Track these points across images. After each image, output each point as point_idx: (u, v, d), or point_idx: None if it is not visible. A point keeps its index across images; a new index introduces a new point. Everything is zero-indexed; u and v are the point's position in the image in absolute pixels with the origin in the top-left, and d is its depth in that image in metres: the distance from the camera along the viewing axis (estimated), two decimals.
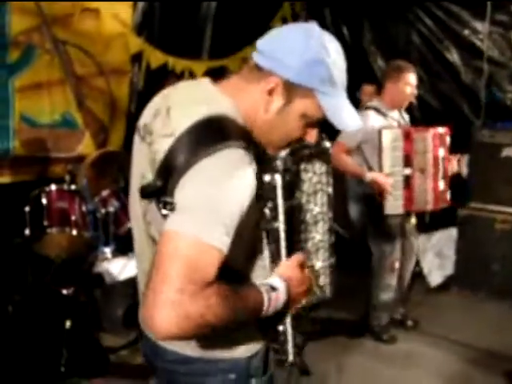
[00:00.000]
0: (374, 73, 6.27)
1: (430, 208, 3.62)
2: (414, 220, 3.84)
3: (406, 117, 3.83)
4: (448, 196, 3.69)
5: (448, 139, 3.64)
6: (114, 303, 3.34)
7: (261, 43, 1.32)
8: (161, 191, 1.22)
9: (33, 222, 3.38)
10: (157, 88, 1.51)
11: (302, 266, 1.42)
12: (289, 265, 1.39)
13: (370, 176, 3.54)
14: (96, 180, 3.74)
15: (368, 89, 5.49)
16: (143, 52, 4.90)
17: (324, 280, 1.67)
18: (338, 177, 5.36)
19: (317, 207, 1.56)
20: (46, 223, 3.35)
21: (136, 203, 1.44)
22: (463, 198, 4.64)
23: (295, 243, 1.48)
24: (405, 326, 4.02)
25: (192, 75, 5.12)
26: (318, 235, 1.59)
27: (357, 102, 5.44)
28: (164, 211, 1.20)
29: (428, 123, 3.77)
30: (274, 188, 1.33)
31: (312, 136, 1.44)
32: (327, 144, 1.54)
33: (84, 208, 3.45)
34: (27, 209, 3.37)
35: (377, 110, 3.65)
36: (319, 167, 1.53)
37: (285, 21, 6.47)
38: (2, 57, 3.88)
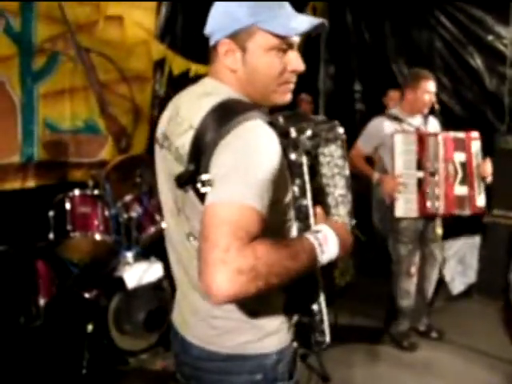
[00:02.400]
0: (396, 78, 6.25)
1: (442, 212, 3.58)
2: (440, 230, 3.81)
3: (434, 122, 3.82)
4: (480, 202, 3.63)
5: (474, 144, 3.61)
6: (136, 307, 3.36)
7: (204, 31, 1.47)
8: (196, 173, 1.29)
9: (56, 227, 3.43)
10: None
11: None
12: (319, 218, 1.43)
13: (377, 176, 3.64)
14: (119, 185, 3.77)
15: (394, 94, 5.47)
16: (166, 58, 4.95)
17: (348, 263, 1.67)
18: (364, 183, 5.42)
19: (337, 190, 1.60)
20: (69, 227, 3.39)
21: (168, 209, 1.50)
22: (487, 205, 4.59)
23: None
24: (429, 337, 3.97)
25: None
26: (340, 218, 1.62)
27: (382, 107, 5.43)
28: (203, 189, 1.26)
29: (452, 129, 3.75)
30: (301, 165, 1.38)
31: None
32: (341, 129, 1.60)
33: (107, 213, 3.49)
34: (51, 213, 3.42)
35: (394, 116, 3.70)
36: (335, 150, 1.58)
37: None
38: (28, 64, 3.94)
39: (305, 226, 1.43)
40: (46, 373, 3.10)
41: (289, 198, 1.40)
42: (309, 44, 6.49)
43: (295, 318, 1.52)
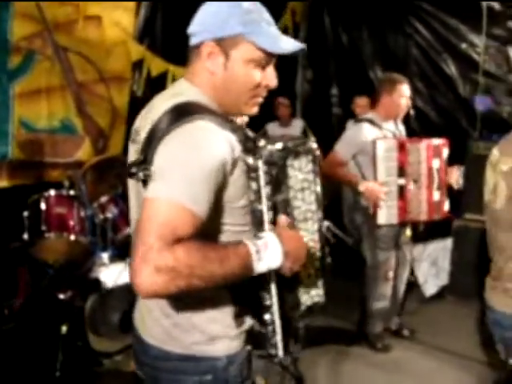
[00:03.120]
0: (373, 83, 6.33)
1: (423, 218, 3.65)
2: (408, 232, 3.87)
3: (402, 128, 3.86)
4: (446, 207, 3.72)
5: (445, 151, 3.67)
6: (111, 308, 3.35)
7: (188, 29, 1.48)
8: (143, 163, 1.36)
9: (31, 227, 3.40)
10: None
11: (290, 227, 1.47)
12: (280, 227, 1.44)
13: (363, 185, 3.58)
14: (95, 186, 3.76)
15: (361, 101, 5.55)
16: (144, 60, 4.95)
17: (317, 282, 1.68)
18: (334, 188, 5.45)
19: (305, 204, 1.60)
20: (44, 228, 3.37)
21: (133, 204, 1.54)
22: (459, 209, 4.68)
23: None
24: (401, 335, 4.05)
25: None
26: (308, 234, 1.62)
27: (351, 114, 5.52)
28: (145, 181, 1.34)
29: (426, 135, 3.82)
30: (256, 170, 1.40)
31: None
32: (314, 144, 1.60)
33: (82, 213, 3.48)
34: (26, 214, 3.40)
35: (371, 121, 3.68)
36: (306, 165, 1.58)
37: (285, 30, 6.53)
38: (3, 62, 3.92)
39: (258, 232, 1.43)
40: (20, 375, 3.07)
41: (244, 201, 1.42)
42: None
43: (248, 324, 1.53)
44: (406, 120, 3.90)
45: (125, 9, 4.71)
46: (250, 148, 1.41)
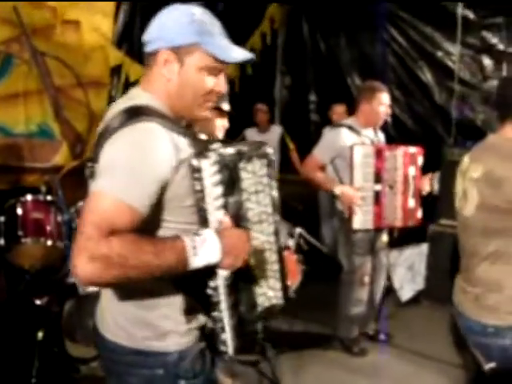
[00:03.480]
0: (350, 90, 6.40)
1: (399, 224, 3.70)
2: (385, 237, 3.92)
3: (381, 135, 3.91)
4: (419, 214, 3.78)
5: (420, 159, 3.73)
6: (88, 314, 3.33)
7: (144, 37, 1.57)
8: (92, 162, 1.51)
9: (7, 232, 3.36)
10: None
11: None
12: (223, 226, 1.50)
13: (339, 189, 3.63)
14: (72, 191, 3.73)
15: (338, 108, 5.60)
16: (123, 65, 4.94)
17: (274, 284, 1.72)
18: (312, 194, 5.48)
19: (259, 207, 1.66)
20: (20, 233, 3.33)
21: None
22: (434, 215, 4.74)
23: None
24: (377, 340, 4.09)
25: None
26: (263, 235, 1.68)
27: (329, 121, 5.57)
28: (92, 178, 1.47)
29: (403, 142, 3.89)
30: (199, 171, 1.46)
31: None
32: (269, 149, 1.70)
33: (59, 218, 3.45)
34: (2, 219, 3.36)
35: (350, 127, 3.72)
36: (260, 168, 1.65)
37: (264, 36, 6.58)
38: None
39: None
40: None
41: (191, 201, 1.49)
42: (265, 54, 6.58)
43: (199, 321, 1.59)
44: (383, 127, 3.94)
45: (103, 14, 4.71)
46: (199, 150, 1.48)
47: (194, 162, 1.45)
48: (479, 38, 5.51)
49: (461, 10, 5.46)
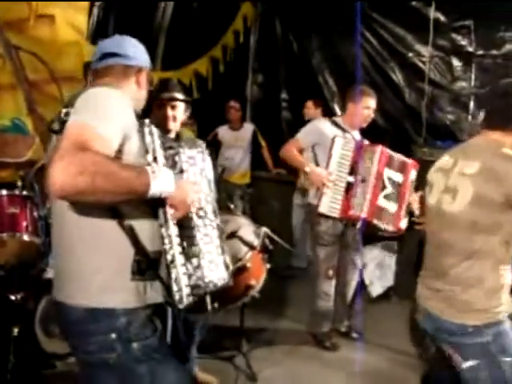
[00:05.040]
0: (322, 89, 6.48)
1: (364, 216, 3.65)
2: (358, 236, 3.95)
3: (358, 136, 3.98)
4: (402, 224, 3.71)
5: (413, 172, 3.71)
6: None
7: (114, 50, 2.00)
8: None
9: None
10: None
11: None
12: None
13: (311, 166, 3.76)
14: (47, 186, 3.71)
15: (309, 104, 5.68)
16: None
17: (216, 259, 1.90)
18: (283, 191, 5.52)
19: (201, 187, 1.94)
20: None
21: None
22: None
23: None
24: (350, 337, 4.17)
25: None
26: (202, 211, 1.91)
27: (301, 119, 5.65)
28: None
29: (374, 140, 3.95)
30: (152, 134, 1.75)
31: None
32: (201, 142, 2.06)
33: (35, 214, 3.43)
34: None
35: (335, 122, 3.87)
36: (196, 154, 1.97)
37: (237, 34, 6.60)
38: None
39: None
40: None
41: (143, 161, 1.71)
42: (238, 52, 6.62)
43: (150, 282, 1.76)
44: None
45: (78, 8, 4.65)
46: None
47: (149, 125, 1.76)
48: (449, 39, 5.65)
49: (432, 12, 5.58)
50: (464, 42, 5.60)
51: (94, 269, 1.72)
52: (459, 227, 2.11)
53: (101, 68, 1.97)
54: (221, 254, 1.93)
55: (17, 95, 4.32)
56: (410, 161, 3.78)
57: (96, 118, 1.59)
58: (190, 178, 1.89)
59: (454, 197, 2.13)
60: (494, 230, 2.05)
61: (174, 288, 1.72)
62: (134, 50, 2.03)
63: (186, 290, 1.74)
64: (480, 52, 5.57)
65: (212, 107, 5.92)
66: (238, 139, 6.01)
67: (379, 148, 3.69)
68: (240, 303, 2.96)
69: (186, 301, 1.73)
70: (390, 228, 3.70)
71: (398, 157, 3.75)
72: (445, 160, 2.27)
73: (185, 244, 1.78)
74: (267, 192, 6.30)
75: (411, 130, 5.90)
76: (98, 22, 4.92)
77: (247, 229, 3.02)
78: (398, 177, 3.70)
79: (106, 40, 2.08)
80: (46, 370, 3.32)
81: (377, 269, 5.17)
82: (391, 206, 3.68)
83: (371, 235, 4.31)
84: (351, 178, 3.69)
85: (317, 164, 3.82)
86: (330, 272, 3.90)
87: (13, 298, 3.29)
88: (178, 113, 2.85)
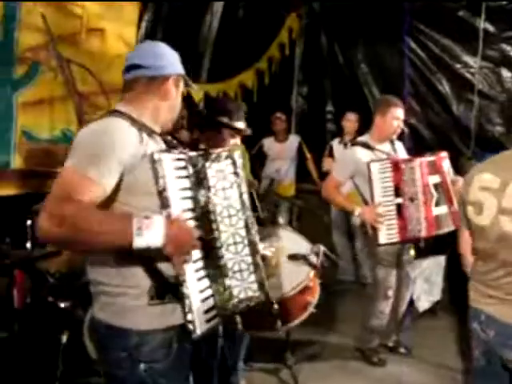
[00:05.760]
0: (368, 101, 6.43)
1: (423, 235, 3.59)
2: (412, 252, 3.88)
3: (400, 147, 3.91)
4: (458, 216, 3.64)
5: (445, 164, 3.64)
6: None
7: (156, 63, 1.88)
8: None
9: (34, 236, 3.41)
10: None
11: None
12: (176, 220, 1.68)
13: (358, 211, 3.63)
14: None
15: (350, 116, 5.63)
16: None
17: (248, 277, 1.85)
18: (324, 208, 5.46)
19: (227, 202, 1.83)
20: None
21: None
22: None
23: (206, 230, 1.77)
24: (398, 352, 4.08)
25: (190, 98, 5.21)
26: (232, 229, 1.83)
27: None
28: None
29: (420, 153, 3.87)
30: (159, 162, 1.68)
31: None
32: (235, 153, 1.90)
33: None
34: (29, 222, 3.41)
35: (364, 144, 3.72)
36: (226, 167, 1.86)
37: (282, 47, 6.63)
38: (8, 72, 3.94)
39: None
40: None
41: (152, 190, 1.68)
42: (283, 64, 6.64)
43: (172, 305, 1.74)
44: (400, 138, 3.95)
45: (127, 22, 4.77)
46: (165, 148, 1.82)
47: (155, 155, 1.67)
48: (498, 50, 5.54)
49: (482, 23, 5.49)
50: None
51: (119, 292, 1.75)
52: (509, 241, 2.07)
53: (126, 81, 1.90)
54: (253, 271, 1.86)
55: (68, 107, 4.43)
56: (437, 156, 3.65)
57: (87, 160, 1.59)
58: (218, 194, 1.82)
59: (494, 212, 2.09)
60: None
61: (188, 317, 1.71)
62: (160, 59, 1.87)
63: (201, 318, 1.74)
64: None
65: (257, 119, 5.93)
66: (283, 151, 6.01)
67: (417, 162, 3.56)
68: (301, 321, 2.90)
69: (200, 330, 1.73)
70: (452, 228, 3.57)
71: (430, 160, 3.61)
72: (487, 178, 2.17)
73: (207, 269, 1.78)
74: (312, 204, 6.26)
75: (459, 143, 5.79)
76: (147, 34, 5.00)
77: (305, 246, 3.04)
78: (437, 178, 3.61)
79: (133, 51, 2.01)
80: (93, 378, 3.34)
81: (425, 283, 5.06)
82: (443, 209, 3.60)
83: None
84: (399, 200, 3.56)
85: (359, 193, 3.72)
86: (390, 292, 3.81)
87: (62, 305, 3.35)
88: (238, 141, 2.86)
